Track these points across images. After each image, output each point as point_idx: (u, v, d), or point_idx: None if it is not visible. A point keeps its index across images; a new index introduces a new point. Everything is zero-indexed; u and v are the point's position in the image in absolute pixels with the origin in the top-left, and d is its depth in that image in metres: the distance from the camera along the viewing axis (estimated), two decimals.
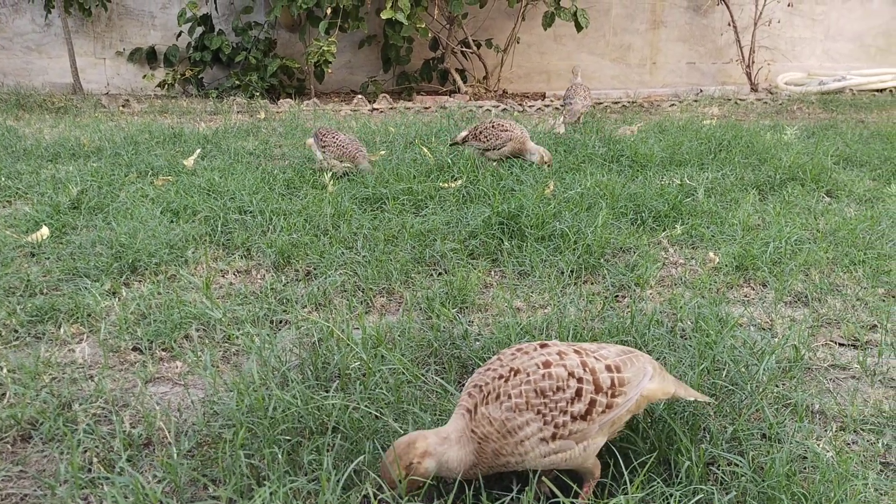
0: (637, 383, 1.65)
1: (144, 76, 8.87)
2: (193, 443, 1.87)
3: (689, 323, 2.53)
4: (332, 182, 4.21)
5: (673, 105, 8.43)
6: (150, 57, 9.03)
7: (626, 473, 1.62)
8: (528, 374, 1.59)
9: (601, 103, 8.44)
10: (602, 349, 1.70)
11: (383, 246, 3.23)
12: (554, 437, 1.56)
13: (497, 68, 9.15)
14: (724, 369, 2.16)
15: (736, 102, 8.55)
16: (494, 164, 4.64)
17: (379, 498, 1.55)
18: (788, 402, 2.09)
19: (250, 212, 3.67)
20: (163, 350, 2.42)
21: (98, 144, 5.39)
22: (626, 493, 1.57)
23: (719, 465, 1.77)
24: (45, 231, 3.37)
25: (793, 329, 2.54)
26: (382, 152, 5.07)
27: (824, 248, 3.26)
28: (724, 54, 9.97)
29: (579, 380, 1.59)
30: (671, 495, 1.60)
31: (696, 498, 1.59)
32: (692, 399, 1.77)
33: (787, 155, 4.85)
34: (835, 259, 3.20)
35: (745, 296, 2.91)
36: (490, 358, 1.73)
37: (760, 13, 9.29)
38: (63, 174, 4.44)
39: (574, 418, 1.57)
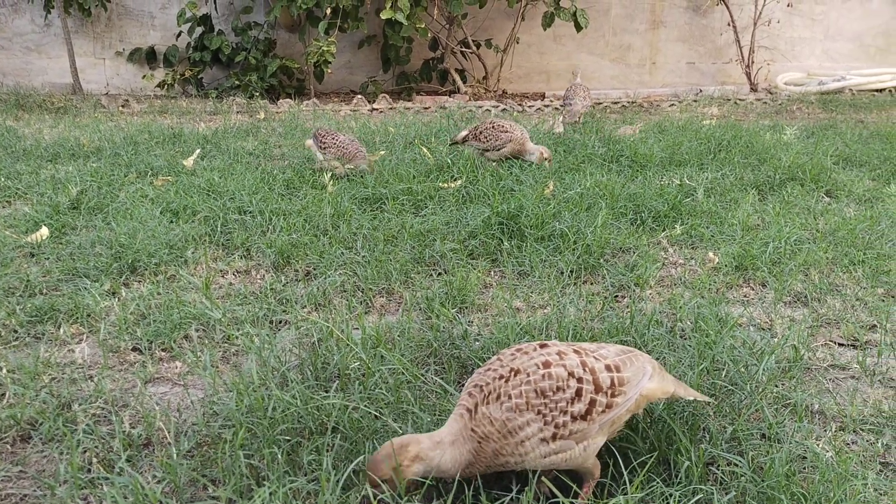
0: (636, 383, 1.65)
1: (144, 76, 8.87)
2: (193, 443, 1.87)
3: (688, 323, 2.53)
4: (331, 182, 4.21)
5: (672, 105, 8.43)
6: (149, 57, 9.03)
7: (625, 473, 1.62)
8: (528, 375, 1.59)
9: (601, 103, 8.44)
10: (601, 349, 1.70)
11: (383, 246, 3.23)
12: (554, 437, 1.56)
13: (497, 68, 9.15)
14: (723, 369, 2.16)
15: (735, 102, 8.56)
16: (494, 164, 4.64)
17: (378, 498, 1.55)
18: (788, 402, 2.09)
19: (250, 212, 3.67)
20: (162, 350, 2.42)
21: (98, 145, 5.39)
22: (625, 493, 1.57)
23: (719, 465, 1.77)
24: (44, 231, 3.37)
25: (792, 329, 2.54)
26: (382, 152, 5.07)
27: (824, 248, 3.26)
28: (724, 54, 9.97)
29: (579, 380, 1.59)
30: (671, 495, 1.60)
31: (696, 498, 1.59)
32: (691, 398, 1.77)
33: (787, 155, 4.85)
34: (834, 259, 3.20)
35: (745, 296, 2.91)
36: (490, 358, 1.74)
37: (760, 13, 9.29)
38: (63, 174, 4.44)
39: (574, 418, 1.57)
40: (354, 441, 1.80)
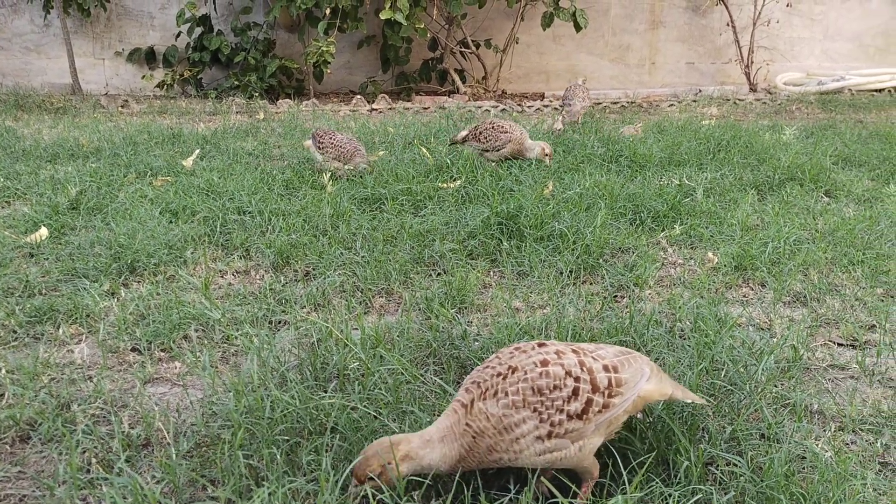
0: (634, 384, 1.65)
1: (143, 77, 8.86)
2: (192, 443, 1.87)
3: (687, 323, 2.53)
4: (330, 182, 4.21)
5: (672, 105, 8.43)
6: (148, 57, 9.03)
7: (624, 474, 1.62)
8: (525, 373, 1.59)
9: (600, 103, 8.44)
10: (600, 349, 1.70)
11: (382, 246, 3.23)
12: (550, 435, 1.56)
13: (496, 68, 9.15)
14: (722, 369, 2.16)
15: (735, 102, 8.56)
16: (493, 164, 4.64)
17: (378, 498, 1.55)
18: (787, 402, 2.09)
19: (249, 212, 3.67)
20: (161, 351, 2.42)
21: (97, 145, 5.39)
22: (624, 493, 1.57)
23: (718, 466, 1.77)
24: (43, 232, 3.37)
25: (791, 329, 2.54)
26: (381, 153, 5.07)
27: (823, 248, 3.26)
28: (723, 54, 9.97)
29: (576, 379, 1.59)
30: (670, 495, 1.60)
31: (695, 498, 1.59)
32: (689, 401, 1.78)
33: (786, 155, 4.85)
34: (833, 259, 3.20)
35: (744, 296, 2.91)
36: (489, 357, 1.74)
37: (759, 13, 9.29)
38: (62, 175, 4.43)
39: (570, 417, 1.57)
40: (354, 441, 1.80)
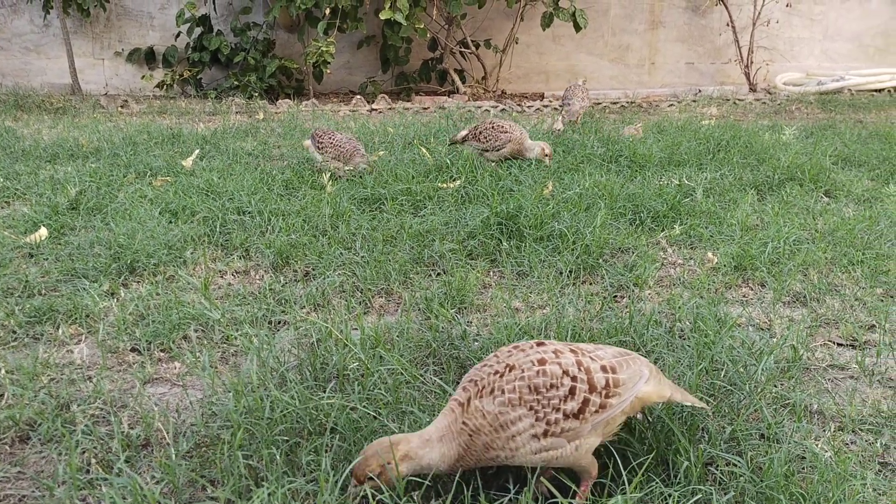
0: (633, 385, 1.65)
1: (143, 77, 8.86)
2: (192, 444, 1.87)
3: (687, 323, 2.53)
4: (330, 182, 4.21)
5: (671, 105, 8.44)
6: (148, 57, 9.03)
7: (624, 474, 1.62)
8: (522, 371, 1.60)
9: (600, 104, 8.44)
10: (598, 350, 1.70)
11: (382, 246, 3.23)
12: (546, 433, 1.56)
13: (496, 69, 9.15)
14: (722, 369, 2.16)
15: (734, 102, 8.56)
16: (493, 164, 4.64)
17: (377, 499, 1.55)
18: (787, 402, 2.09)
19: (249, 212, 3.67)
20: (161, 351, 2.42)
21: (96, 145, 5.39)
22: (624, 493, 1.57)
23: (718, 466, 1.77)
24: (43, 232, 3.37)
25: (791, 329, 2.54)
26: (381, 153, 5.07)
27: (823, 248, 3.26)
28: (723, 54, 9.97)
29: (573, 378, 1.59)
30: (670, 496, 1.60)
31: (695, 498, 1.59)
32: (688, 404, 1.77)
33: (786, 155, 4.85)
34: (833, 259, 3.20)
35: (744, 296, 2.91)
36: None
37: (759, 13, 9.29)
38: (61, 175, 4.43)
39: (567, 416, 1.57)
40: (353, 442, 1.80)
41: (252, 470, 1.74)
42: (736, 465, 1.74)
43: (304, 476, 1.71)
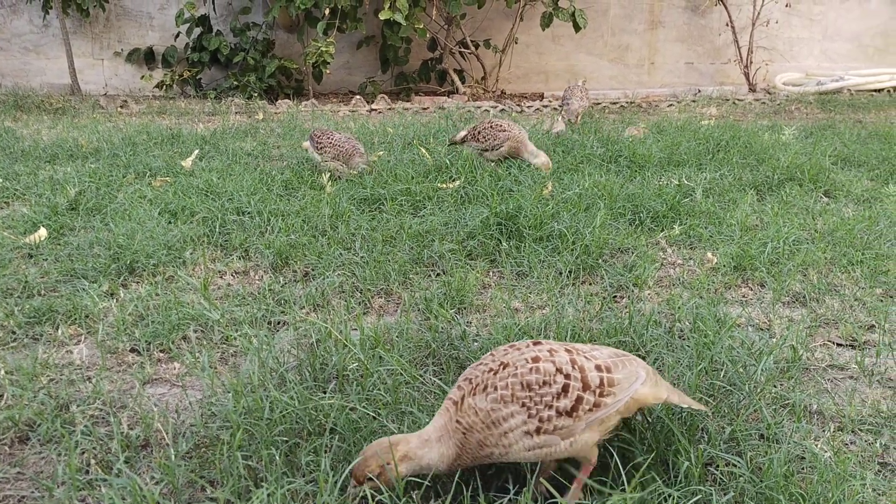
0: (628, 385, 1.65)
1: (142, 77, 8.86)
2: (191, 444, 1.87)
3: (687, 323, 2.53)
4: (329, 183, 4.21)
5: (671, 105, 8.44)
6: (148, 58, 9.02)
7: (623, 474, 1.62)
8: (516, 368, 1.60)
9: (599, 104, 8.44)
10: (595, 350, 1.71)
11: (381, 247, 3.23)
12: (538, 431, 1.57)
13: (495, 69, 9.15)
14: (722, 370, 2.16)
15: (734, 103, 8.56)
16: (493, 164, 4.64)
17: (377, 499, 1.55)
18: (786, 402, 2.09)
19: (248, 213, 3.67)
20: (160, 351, 2.42)
21: (96, 145, 5.38)
22: (623, 491, 1.57)
23: (717, 466, 1.77)
24: (42, 232, 3.36)
25: (791, 329, 2.55)
26: (381, 153, 5.07)
27: (822, 249, 3.26)
28: (723, 54, 9.97)
29: (567, 376, 1.60)
30: (670, 496, 1.60)
31: (695, 498, 1.59)
32: (686, 406, 1.77)
33: (785, 155, 4.85)
34: (833, 259, 3.20)
35: (743, 296, 2.91)
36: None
37: (758, 13, 9.29)
38: (61, 175, 4.43)
39: (560, 413, 1.57)
40: (353, 442, 1.80)
41: (251, 470, 1.74)
42: (736, 466, 1.74)
43: (303, 477, 1.71)
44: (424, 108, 8.08)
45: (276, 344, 2.38)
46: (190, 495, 1.72)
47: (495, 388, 1.58)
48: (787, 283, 2.95)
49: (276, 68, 8.41)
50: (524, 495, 1.57)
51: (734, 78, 9.83)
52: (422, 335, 2.43)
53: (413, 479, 1.63)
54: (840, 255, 3.22)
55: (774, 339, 2.49)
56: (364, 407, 1.92)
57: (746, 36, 9.37)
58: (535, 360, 1.62)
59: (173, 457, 1.78)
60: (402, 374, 2.10)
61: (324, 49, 7.74)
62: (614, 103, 8.59)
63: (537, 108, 8.30)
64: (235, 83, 8.36)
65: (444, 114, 7.22)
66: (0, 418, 1.98)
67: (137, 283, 2.95)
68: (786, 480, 1.66)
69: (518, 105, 8.40)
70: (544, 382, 1.58)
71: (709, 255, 3.24)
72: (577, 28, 8.59)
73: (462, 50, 8.94)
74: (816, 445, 1.89)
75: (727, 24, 9.43)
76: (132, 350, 2.43)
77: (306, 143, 4.65)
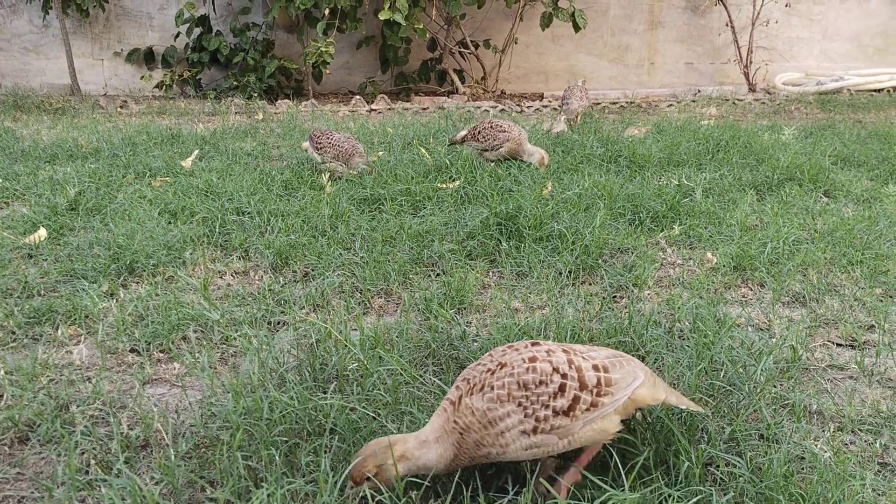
0: (626, 385, 1.65)
1: (142, 77, 8.86)
2: (191, 444, 1.87)
3: (686, 323, 2.53)
4: (329, 183, 4.21)
5: (671, 105, 8.44)
6: (147, 58, 9.02)
7: (623, 474, 1.62)
8: (512, 368, 1.60)
9: (599, 104, 8.44)
10: (592, 351, 1.71)
11: (381, 247, 3.23)
12: (535, 430, 1.57)
13: (495, 69, 9.16)
14: (721, 370, 2.16)
15: (734, 103, 8.56)
16: (492, 164, 4.64)
17: (377, 499, 1.55)
18: (786, 402, 2.09)
19: (248, 213, 3.67)
20: (160, 351, 2.42)
21: (96, 146, 5.38)
22: (622, 490, 1.57)
23: (717, 466, 1.77)
24: (42, 232, 3.36)
25: (790, 329, 2.55)
26: (380, 153, 5.07)
27: (822, 249, 3.26)
28: (722, 54, 9.97)
29: (563, 375, 1.60)
30: (670, 496, 1.60)
31: (695, 499, 1.59)
32: (684, 407, 1.77)
33: (785, 155, 4.85)
34: (832, 259, 3.20)
35: (743, 296, 2.91)
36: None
37: (758, 13, 9.30)
38: (61, 175, 4.43)
39: (556, 413, 1.57)
40: (352, 442, 1.80)
41: (251, 471, 1.74)
42: (735, 466, 1.74)
43: (303, 477, 1.71)
44: (424, 109, 8.08)
45: (276, 344, 2.38)
46: (190, 495, 1.72)
47: (492, 388, 1.58)
48: (786, 283, 2.95)
49: (275, 68, 8.41)
50: (524, 495, 1.57)
51: (734, 78, 9.83)
52: (422, 335, 2.43)
53: (413, 479, 1.63)
54: (840, 255, 3.22)
55: (774, 340, 2.49)
56: (364, 407, 1.92)
57: (746, 36, 9.37)
58: (532, 360, 1.62)
59: (173, 457, 1.78)
60: (401, 375, 2.10)
61: (323, 49, 7.74)
62: (614, 103, 8.59)
63: (537, 109, 8.30)
64: (235, 83, 8.36)
65: (443, 114, 7.22)
66: (0, 418, 1.98)
67: (137, 283, 2.95)
68: (786, 480, 1.66)
69: (518, 105, 8.40)
70: (541, 382, 1.59)
71: (708, 255, 3.24)
72: (576, 28, 8.59)
73: (462, 50, 8.94)
74: (816, 445, 1.89)
75: (727, 24, 9.43)
76: (132, 350, 2.43)
77: (306, 144, 4.65)
